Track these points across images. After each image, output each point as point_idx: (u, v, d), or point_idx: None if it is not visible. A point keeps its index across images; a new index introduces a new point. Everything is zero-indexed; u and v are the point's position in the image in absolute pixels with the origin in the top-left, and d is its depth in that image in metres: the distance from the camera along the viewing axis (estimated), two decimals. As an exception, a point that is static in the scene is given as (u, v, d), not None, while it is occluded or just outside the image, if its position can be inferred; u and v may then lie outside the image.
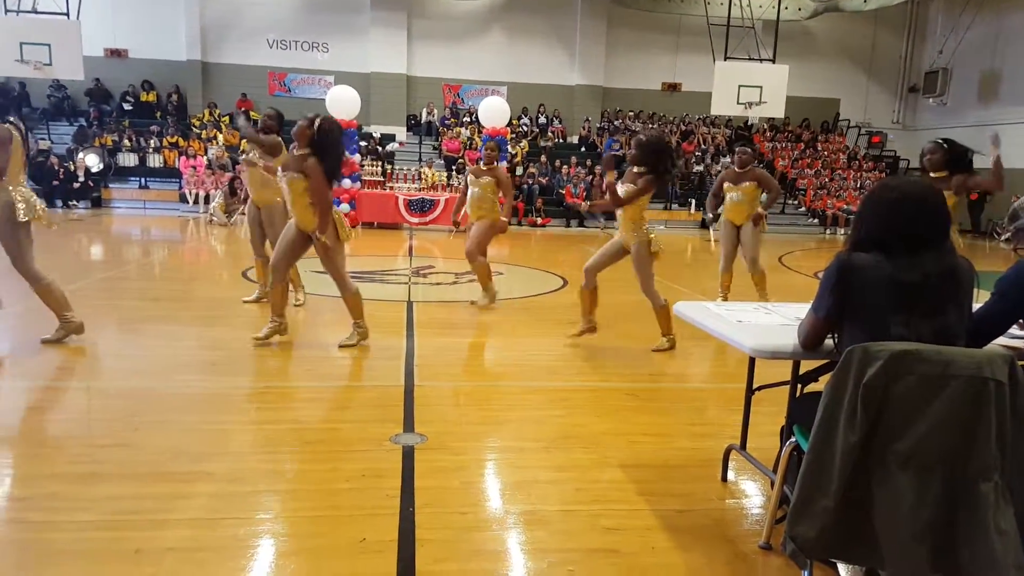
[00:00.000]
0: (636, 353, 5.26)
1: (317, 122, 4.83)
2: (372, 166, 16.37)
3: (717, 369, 5.14)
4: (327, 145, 4.81)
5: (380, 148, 18.38)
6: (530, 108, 20.97)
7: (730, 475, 3.10)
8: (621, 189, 5.10)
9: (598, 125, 21.00)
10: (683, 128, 21.17)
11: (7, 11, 15.70)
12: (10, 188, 4.55)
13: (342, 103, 14.34)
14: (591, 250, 5.40)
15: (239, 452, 3.16)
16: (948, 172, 5.06)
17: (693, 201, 18.36)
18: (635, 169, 5.11)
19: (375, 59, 20.16)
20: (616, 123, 21.06)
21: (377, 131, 19.49)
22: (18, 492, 2.75)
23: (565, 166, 18.26)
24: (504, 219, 6.87)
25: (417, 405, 3.84)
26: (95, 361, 4.66)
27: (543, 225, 16.93)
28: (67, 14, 15.55)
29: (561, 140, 20.89)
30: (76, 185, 15.92)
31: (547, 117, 21.13)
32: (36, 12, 15.57)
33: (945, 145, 5.10)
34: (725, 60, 17.71)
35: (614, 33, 21.18)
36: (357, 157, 15.07)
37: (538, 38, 20.98)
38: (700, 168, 19.59)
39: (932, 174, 5.14)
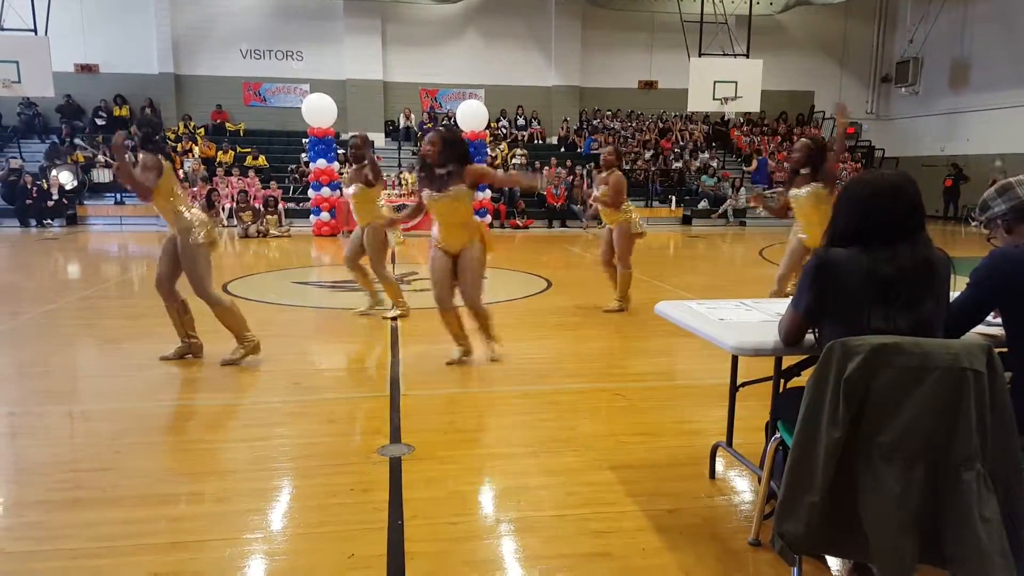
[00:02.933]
0: (624, 353, 5.27)
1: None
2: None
3: (704, 365, 5.16)
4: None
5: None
6: (508, 110, 20.98)
7: (718, 472, 3.11)
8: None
9: (576, 125, 21.06)
10: (661, 125, 21.28)
11: (-26, 29, 15.48)
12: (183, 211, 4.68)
13: (318, 111, 14.29)
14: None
15: (225, 471, 3.12)
16: (812, 168, 5.37)
17: (673, 198, 18.44)
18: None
19: (350, 66, 20.09)
20: (595, 122, 21.13)
21: (355, 138, 19.39)
22: None
23: (546, 167, 18.28)
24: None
25: (404, 415, 3.82)
26: (75, 383, 4.60)
27: (526, 227, 16.94)
28: (35, 30, 15.36)
29: (540, 141, 20.92)
30: (50, 203, 15.71)
31: (526, 119, 21.16)
32: (2, 29, 15.35)
33: (811, 144, 5.43)
34: (700, 56, 17.83)
35: (589, 33, 21.26)
36: (336, 165, 15.00)
37: (514, 40, 21.00)
38: (679, 165, 19.68)
39: (800, 171, 5.49)
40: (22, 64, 14.91)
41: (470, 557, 2.43)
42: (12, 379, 4.56)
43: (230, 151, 18.23)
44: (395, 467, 3.11)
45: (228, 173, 16.80)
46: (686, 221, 18.03)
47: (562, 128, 20.84)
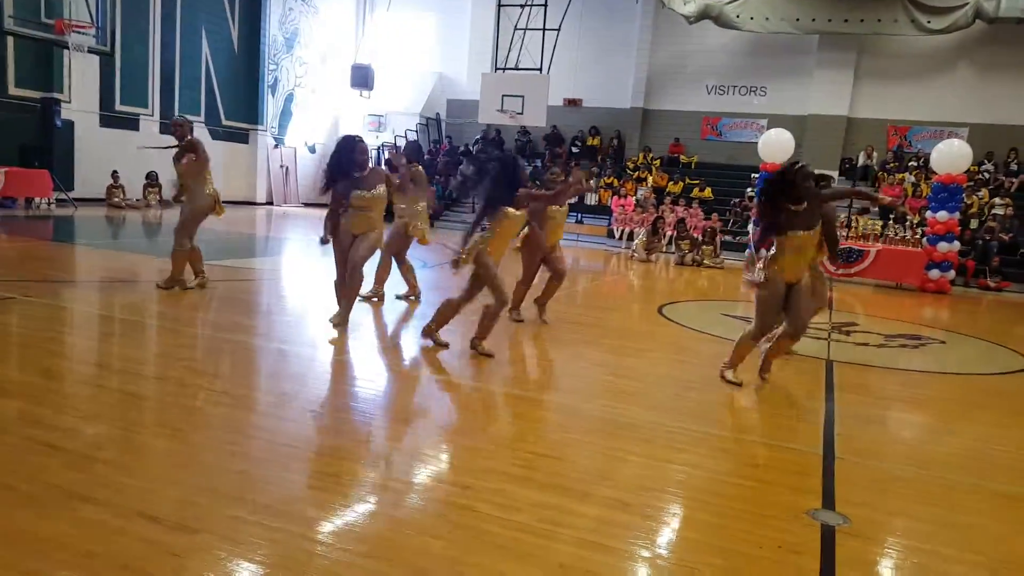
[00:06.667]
0: None
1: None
2: (796, 211, 15.68)
3: None
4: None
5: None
6: (998, 153, 17.89)
7: None
8: None
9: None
10: None
11: (496, 69, 19.08)
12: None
13: (775, 146, 14.09)
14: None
15: (651, 488, 3.24)
16: None
17: None
18: None
19: (814, 101, 19.37)
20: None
21: (807, 175, 18.64)
22: (468, 480, 3.18)
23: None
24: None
25: (837, 480, 3.51)
26: (531, 373, 5.30)
27: (999, 289, 14.22)
28: (540, 69, 18.24)
29: (1033, 190, 17.39)
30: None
31: (1019, 163, 17.76)
32: (517, 69, 18.61)
33: None
34: None
35: None
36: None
37: (1015, 73, 17.82)
38: None
39: None
40: (527, 98, 17.86)
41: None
42: (460, 357, 5.42)
43: (680, 182, 19.11)
44: (827, 536, 2.86)
45: (675, 203, 17.65)
46: None
47: (1072, 178, 16.95)
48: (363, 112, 23.23)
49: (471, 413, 4.37)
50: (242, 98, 20.56)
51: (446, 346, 5.47)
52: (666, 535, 2.84)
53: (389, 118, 23.35)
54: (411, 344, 5.93)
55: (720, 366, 5.21)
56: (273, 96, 21.47)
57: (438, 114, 23.68)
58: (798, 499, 3.21)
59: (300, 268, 10.76)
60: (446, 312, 5.45)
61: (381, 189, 5.72)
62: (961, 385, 6.15)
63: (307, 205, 22.30)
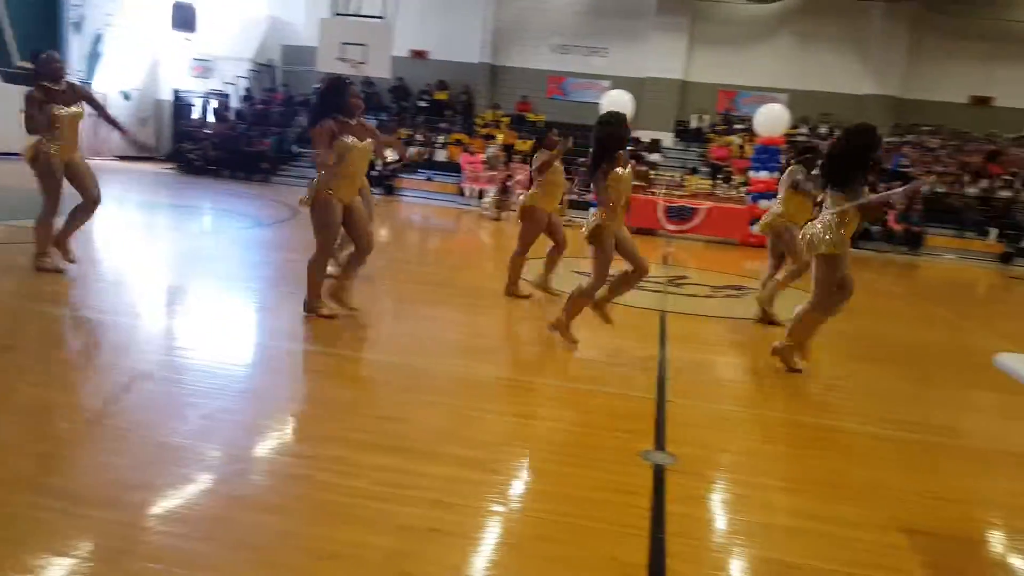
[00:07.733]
0: (921, 399, 4.64)
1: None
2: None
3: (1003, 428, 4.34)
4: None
5: (644, 155, 18.34)
6: (811, 117, 19.59)
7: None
8: None
9: (887, 139, 18.96)
10: (991, 148, 18.33)
11: (336, 14, 18.16)
12: None
13: (615, 107, 14.47)
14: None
15: (496, 442, 3.28)
16: None
17: (994, 231, 15.84)
18: None
19: (652, 64, 20.13)
20: (909, 138, 18.85)
21: (644, 136, 19.47)
22: (306, 450, 3.06)
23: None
24: None
25: (668, 422, 3.73)
26: (375, 335, 5.18)
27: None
28: (383, 17, 17.58)
29: (841, 153, 19.26)
30: (374, 174, 17.98)
31: (829, 127, 19.57)
32: (359, 15, 17.81)
33: None
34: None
35: (919, 40, 19.01)
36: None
37: (829, 43, 19.53)
38: (1008, 194, 16.81)
39: None
40: (370, 48, 17.14)
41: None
42: (317, 322, 5.22)
43: (528, 141, 19.30)
44: (658, 475, 3.03)
45: (524, 161, 17.82)
46: (1005, 259, 15.39)
47: (871, 141, 18.92)
48: (187, 57, 21.33)
49: (312, 380, 4.20)
50: (41, 37, 18.09)
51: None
52: (514, 487, 2.89)
53: (217, 64, 21.66)
54: (260, 313, 5.61)
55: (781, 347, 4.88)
56: (79, 35, 19.20)
57: (271, 60, 22.29)
58: (633, 442, 3.37)
59: (114, 229, 9.83)
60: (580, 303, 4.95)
61: (368, 143, 5.09)
62: (777, 330, 6.72)
63: (122, 159, 20.35)
